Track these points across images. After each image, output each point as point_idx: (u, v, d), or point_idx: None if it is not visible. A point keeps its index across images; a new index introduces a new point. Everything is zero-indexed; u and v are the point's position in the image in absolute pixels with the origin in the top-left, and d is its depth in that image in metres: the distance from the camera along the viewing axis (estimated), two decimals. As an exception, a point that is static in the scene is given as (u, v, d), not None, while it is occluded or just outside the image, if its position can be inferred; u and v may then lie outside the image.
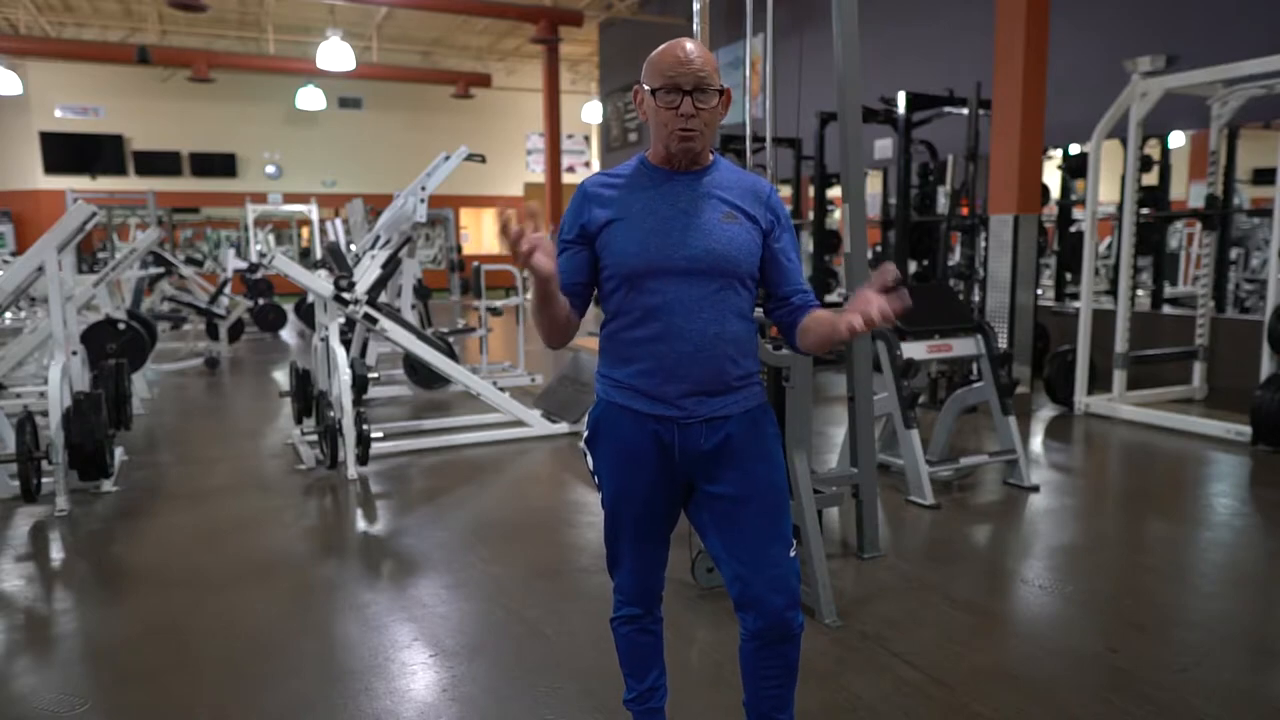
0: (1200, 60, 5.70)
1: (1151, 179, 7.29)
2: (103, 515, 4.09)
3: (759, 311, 1.89)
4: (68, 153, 17.01)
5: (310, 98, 15.93)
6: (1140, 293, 7.44)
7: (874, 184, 9.26)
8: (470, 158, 5.87)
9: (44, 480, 4.15)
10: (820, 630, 2.76)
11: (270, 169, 18.50)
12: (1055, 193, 8.12)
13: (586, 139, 20.75)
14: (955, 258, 7.75)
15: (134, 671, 2.62)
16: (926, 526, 3.80)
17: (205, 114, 17.62)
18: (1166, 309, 7.62)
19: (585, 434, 1.87)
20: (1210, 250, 6.38)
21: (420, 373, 6.77)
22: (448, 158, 5.77)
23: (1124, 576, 3.27)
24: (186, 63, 15.53)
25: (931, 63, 8.56)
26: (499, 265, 8.72)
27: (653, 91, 1.68)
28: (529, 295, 14.35)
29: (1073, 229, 8.01)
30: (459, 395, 6.62)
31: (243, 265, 11.34)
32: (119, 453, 4.88)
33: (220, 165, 18.09)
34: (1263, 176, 7.74)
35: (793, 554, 1.80)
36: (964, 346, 4.36)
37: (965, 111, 6.83)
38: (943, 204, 7.96)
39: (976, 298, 6.65)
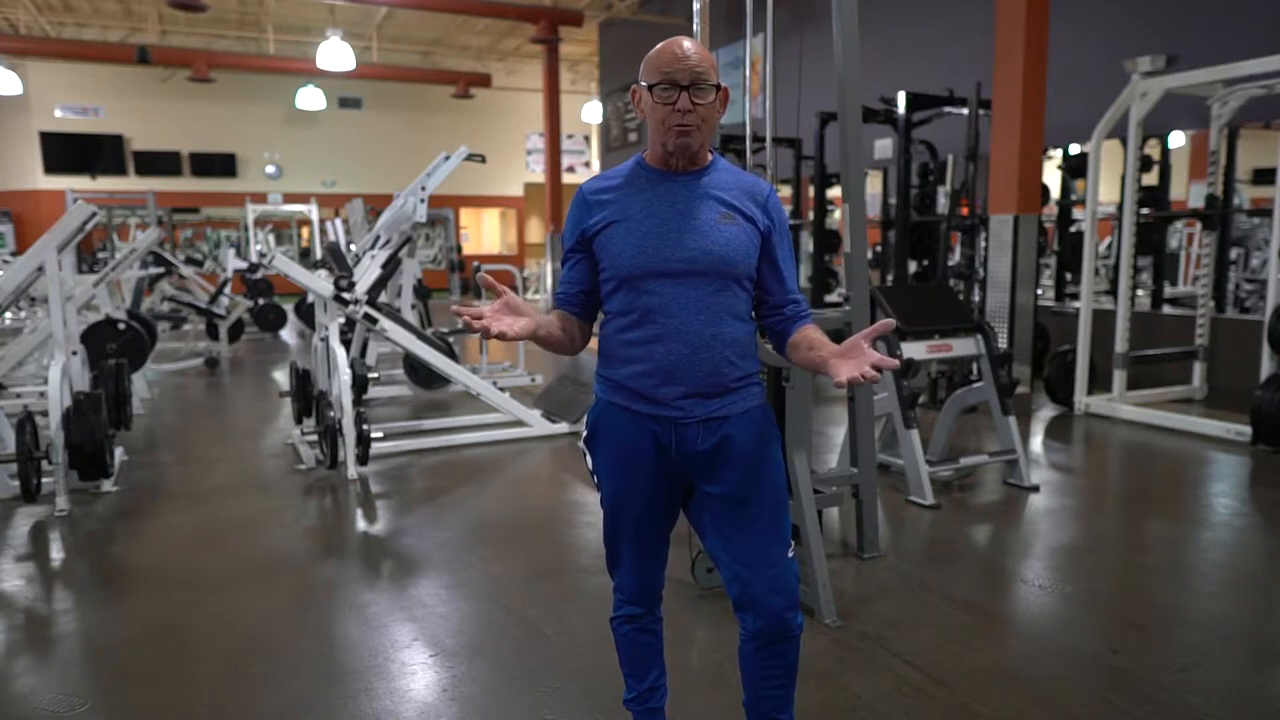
0: (1200, 60, 5.71)
1: (1151, 179, 7.29)
2: (103, 515, 4.09)
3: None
4: (68, 153, 17.01)
5: (310, 98, 15.93)
6: (1140, 293, 7.44)
7: (874, 184, 9.26)
8: (470, 158, 5.87)
9: (44, 480, 4.15)
10: (820, 630, 2.76)
11: (270, 169, 18.50)
12: (1055, 193, 8.12)
13: (586, 139, 20.75)
14: (955, 258, 7.75)
15: (134, 671, 2.62)
16: (926, 526, 3.80)
17: (205, 114, 17.62)
18: (1166, 309, 7.62)
19: (584, 434, 1.87)
20: (1210, 250, 6.38)
21: (420, 373, 6.77)
22: (448, 158, 5.77)
23: (1124, 576, 3.27)
24: (186, 63, 15.53)
25: (931, 63, 8.56)
26: (499, 265, 8.71)
27: (649, 88, 1.68)
28: (528, 296, 14.35)
29: (1073, 229, 8.01)
30: (459, 395, 6.63)
31: (243, 265, 11.35)
32: (119, 453, 4.88)
33: (220, 165, 18.09)
34: (1263, 176, 7.74)
35: (791, 554, 1.80)
36: (964, 346, 4.36)
37: (965, 111, 6.83)
38: (943, 204, 7.96)
39: (976, 298, 6.65)
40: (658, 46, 1.71)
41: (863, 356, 1.53)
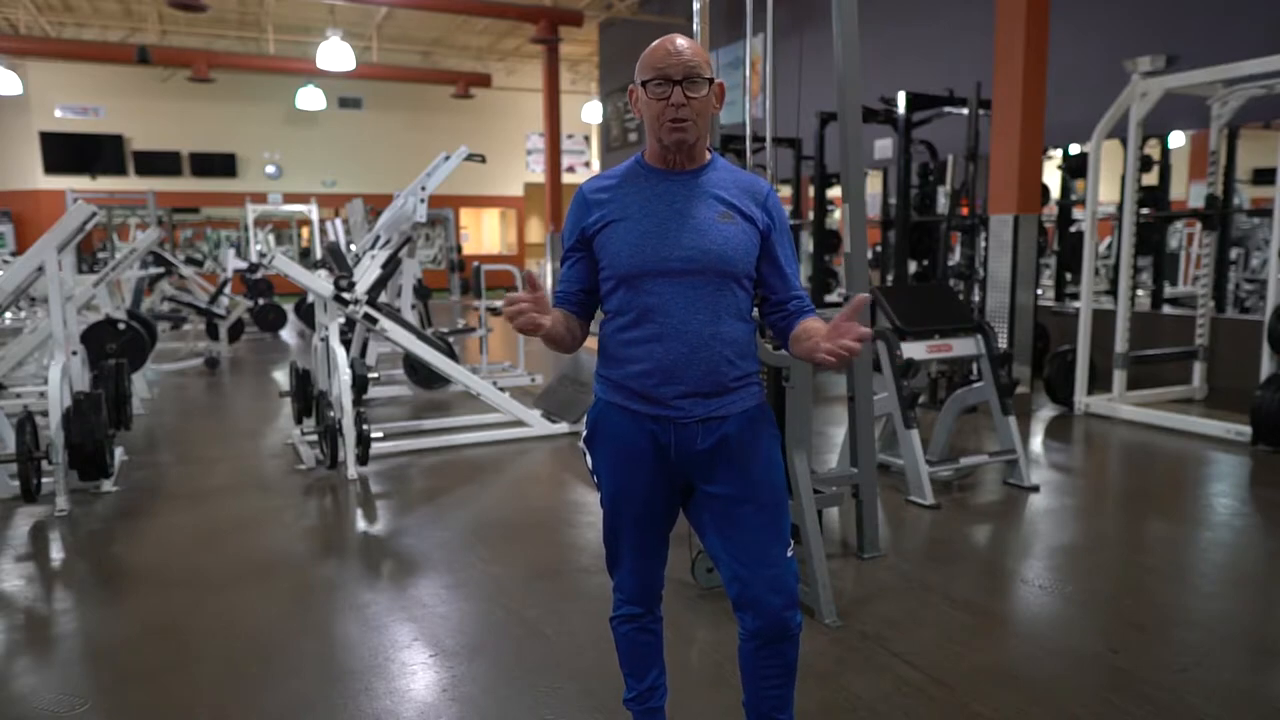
0: (1200, 60, 5.70)
1: (1151, 179, 7.29)
2: (103, 515, 4.09)
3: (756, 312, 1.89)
4: (68, 153, 17.01)
5: (310, 98, 15.93)
6: (1140, 293, 7.44)
7: (874, 184, 9.26)
8: (470, 158, 5.87)
9: (44, 480, 4.15)
10: (820, 630, 2.76)
11: (270, 169, 18.50)
12: (1055, 193, 8.12)
13: (586, 139, 20.75)
14: (955, 258, 7.75)
15: (134, 671, 2.62)
16: (926, 526, 3.80)
17: (205, 114, 17.61)
18: (1166, 309, 7.62)
19: (584, 434, 1.87)
20: (1210, 250, 6.38)
21: (420, 373, 6.77)
22: (448, 158, 5.77)
23: (1124, 576, 3.27)
24: (186, 63, 15.53)
25: (931, 63, 8.56)
26: (499, 265, 8.71)
27: (644, 85, 1.69)
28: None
29: (1073, 229, 8.01)
30: (459, 395, 6.63)
31: (243, 265, 11.35)
32: (119, 453, 4.88)
33: (220, 165, 18.08)
34: (1263, 176, 7.74)
35: (791, 554, 1.80)
36: (964, 346, 4.36)
37: (965, 111, 6.83)
38: (943, 204, 7.96)
39: (976, 298, 6.64)
40: (651, 45, 1.72)
41: (842, 333, 1.56)
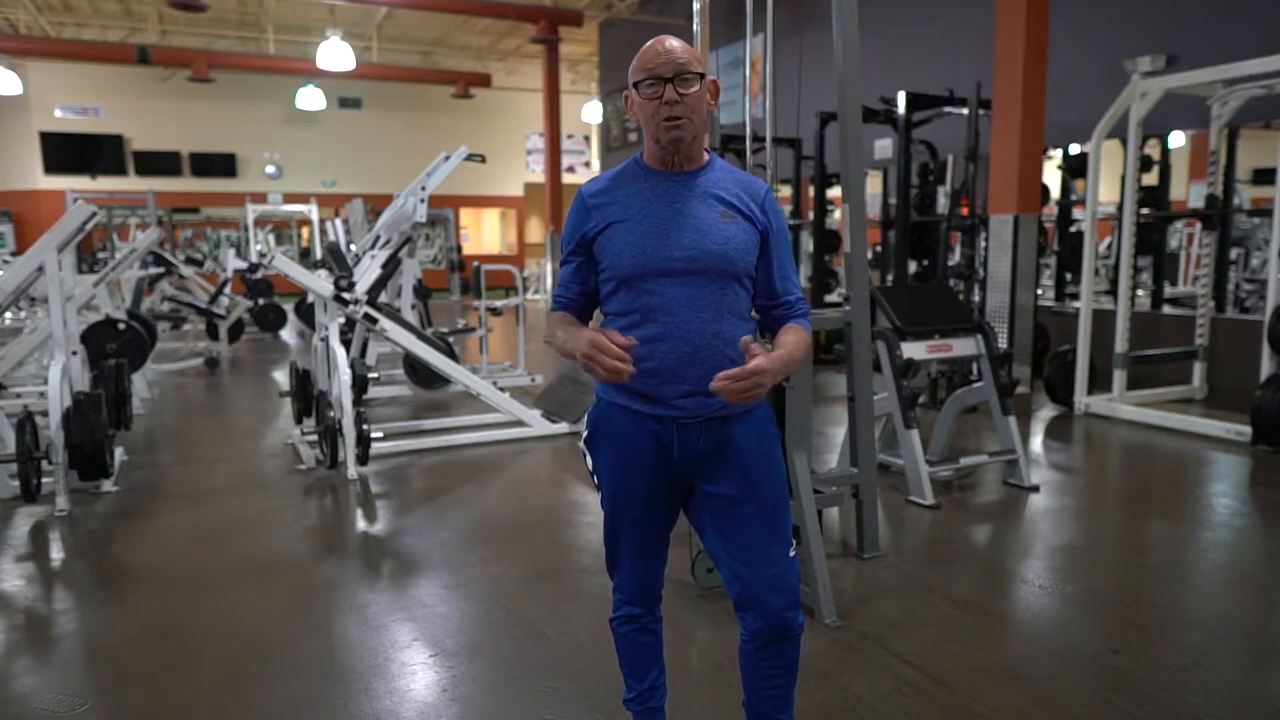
0: (1200, 60, 5.71)
1: (1151, 179, 7.29)
2: (103, 515, 4.09)
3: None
4: (68, 153, 17.01)
5: (310, 98, 15.93)
6: (1140, 293, 7.44)
7: (874, 184, 9.26)
8: (470, 158, 5.87)
9: (44, 480, 4.15)
10: (820, 630, 2.76)
11: (270, 169, 18.50)
12: (1055, 193, 8.12)
13: (586, 139, 20.75)
14: (955, 258, 7.75)
15: (134, 671, 2.62)
16: (926, 526, 3.80)
17: (205, 114, 17.62)
18: (1166, 309, 7.62)
19: (585, 434, 1.87)
20: (1210, 250, 6.38)
21: (420, 373, 6.77)
22: (448, 158, 5.77)
23: (1124, 576, 3.27)
24: (186, 63, 15.53)
25: (931, 63, 8.56)
26: (499, 265, 8.71)
27: (636, 86, 1.70)
28: (529, 296, 14.27)
29: (1073, 229, 8.01)
30: (459, 395, 6.62)
31: (243, 265, 11.35)
32: (119, 453, 4.88)
33: (220, 165, 18.09)
34: (1263, 176, 7.74)
35: (792, 554, 1.80)
36: (964, 346, 4.36)
37: (965, 111, 6.83)
38: (943, 204, 7.97)
39: (976, 298, 6.65)
40: (642, 47, 1.72)
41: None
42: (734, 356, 1.73)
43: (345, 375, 4.66)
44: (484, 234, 22.09)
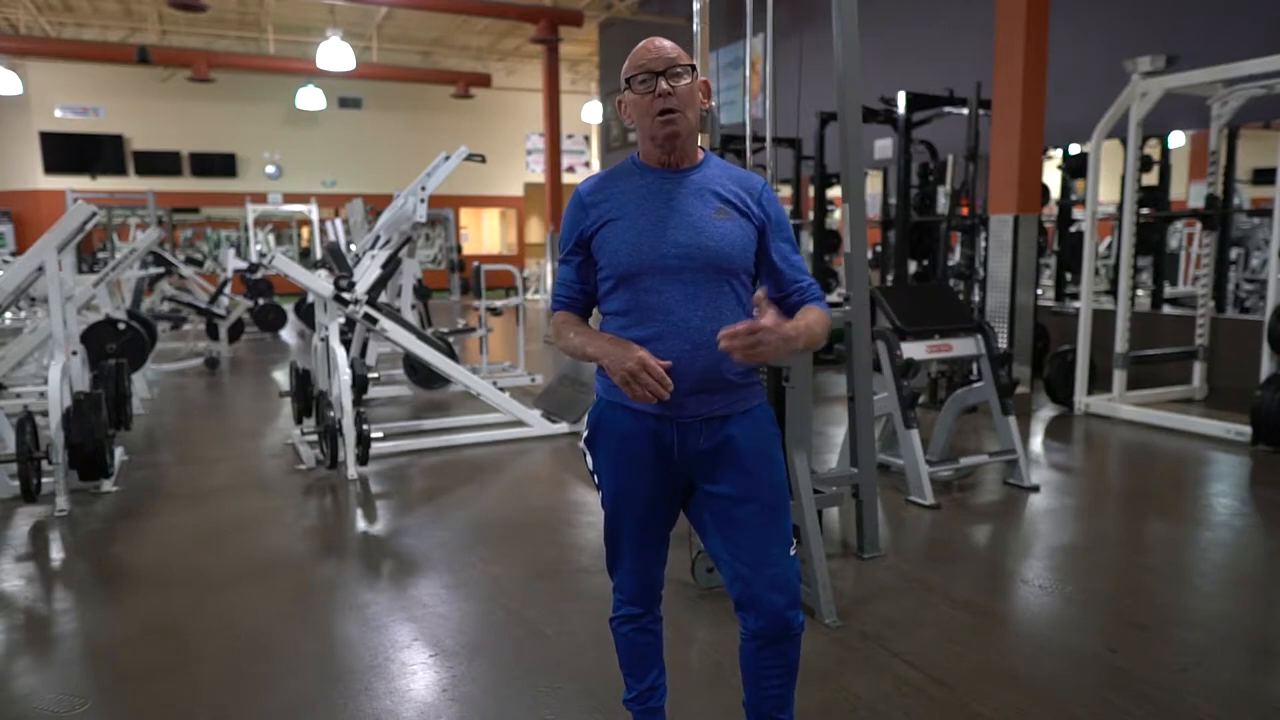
0: (1200, 60, 5.71)
1: (1151, 179, 7.29)
2: (103, 515, 4.09)
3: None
4: (68, 153, 17.01)
5: (310, 98, 15.93)
6: (1140, 293, 7.44)
7: (874, 184, 9.26)
8: (470, 158, 5.87)
9: (44, 480, 4.15)
10: (820, 630, 2.76)
11: (270, 169, 18.50)
12: (1055, 193, 8.12)
13: (586, 139, 20.75)
14: (955, 258, 7.75)
15: (134, 671, 2.62)
16: (926, 526, 3.80)
17: (205, 114, 17.62)
18: (1166, 309, 7.62)
19: (585, 433, 1.87)
20: (1210, 250, 6.38)
21: (420, 373, 6.77)
22: (448, 158, 5.77)
23: (1124, 576, 3.27)
24: (186, 63, 15.53)
25: (931, 63, 8.56)
26: (499, 265, 8.71)
27: (628, 84, 1.72)
28: (529, 296, 14.26)
29: (1073, 229, 8.01)
30: (459, 395, 6.63)
31: (243, 265, 11.35)
32: (119, 453, 4.88)
33: (220, 165, 18.09)
34: (1263, 176, 7.74)
35: (793, 553, 1.80)
36: (964, 346, 4.36)
37: (965, 111, 6.83)
38: (943, 204, 7.97)
39: (976, 298, 6.64)
40: (632, 51, 1.75)
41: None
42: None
43: (345, 375, 4.66)
44: (484, 234, 22.09)
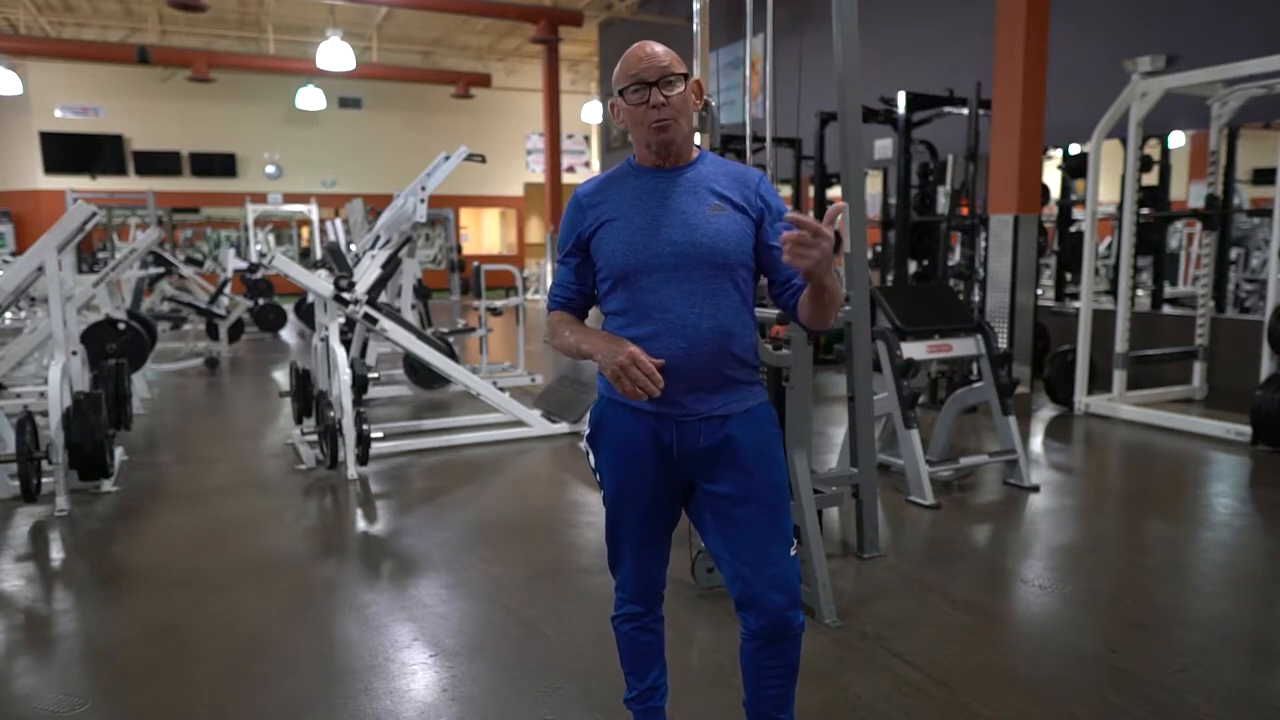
0: (1200, 60, 5.71)
1: (1151, 179, 7.29)
2: (103, 515, 4.09)
3: (770, 311, 1.89)
4: (68, 153, 17.01)
5: (310, 98, 15.93)
6: (1140, 293, 7.44)
7: (874, 184, 9.26)
8: (470, 158, 5.87)
9: (44, 480, 4.15)
10: (820, 630, 2.76)
11: (270, 169, 18.50)
12: (1055, 193, 8.12)
13: (586, 139, 20.75)
14: (955, 258, 7.75)
15: (134, 671, 2.62)
16: (926, 526, 3.80)
17: (205, 114, 17.61)
18: (1166, 309, 7.62)
19: (587, 431, 1.88)
20: (1210, 250, 6.38)
21: (420, 373, 6.77)
22: (448, 158, 5.78)
23: (1124, 576, 3.27)
24: (186, 63, 15.53)
25: (931, 63, 8.56)
26: (499, 265, 8.71)
27: (622, 93, 1.72)
28: (529, 296, 14.24)
29: (1073, 229, 8.01)
30: (459, 395, 6.62)
31: (243, 265, 11.34)
32: (119, 453, 4.88)
33: (220, 165, 18.08)
34: (1263, 176, 7.74)
35: (793, 553, 1.80)
36: (964, 346, 4.36)
37: (965, 111, 6.83)
38: (943, 204, 7.96)
39: (976, 298, 6.65)
40: (624, 54, 1.74)
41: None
42: (733, 350, 1.74)
43: (345, 375, 4.66)
44: (484, 234, 22.09)
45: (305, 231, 18.59)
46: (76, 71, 16.57)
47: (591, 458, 1.87)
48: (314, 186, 18.31)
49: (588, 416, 1.89)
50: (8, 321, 9.98)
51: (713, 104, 2.93)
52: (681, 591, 3.02)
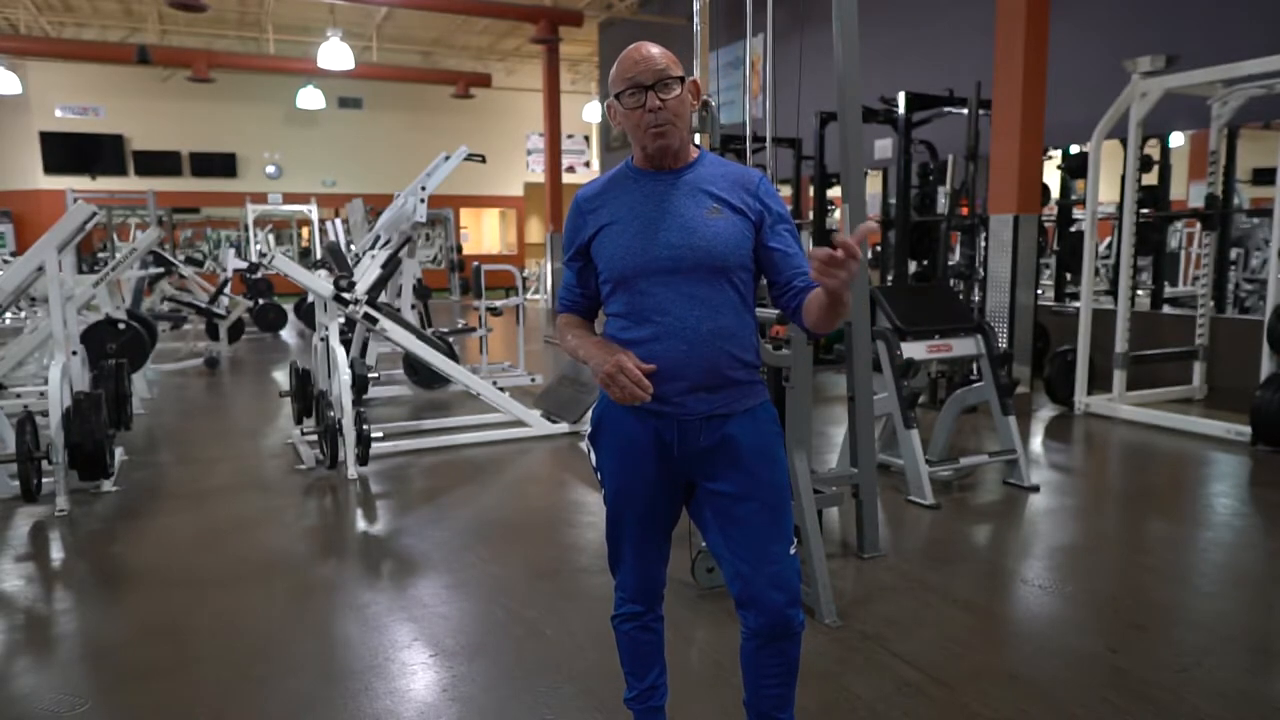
0: (1200, 60, 5.70)
1: (1151, 179, 7.28)
2: (103, 515, 4.09)
3: (770, 311, 1.89)
4: (68, 153, 17.00)
5: (310, 98, 15.92)
6: (1140, 293, 7.44)
7: (874, 184, 9.26)
8: (470, 158, 5.87)
9: (44, 480, 4.15)
10: (820, 630, 2.76)
11: (270, 169, 18.49)
12: (1055, 193, 8.11)
13: (586, 139, 20.74)
14: (955, 258, 7.75)
15: (134, 671, 2.62)
16: (926, 526, 3.80)
17: (205, 114, 17.61)
18: (1166, 309, 7.61)
19: (589, 430, 1.88)
20: (1210, 250, 6.38)
21: (420, 373, 6.77)
22: (448, 158, 5.78)
23: (1124, 576, 3.27)
24: (186, 63, 15.52)
25: (931, 63, 8.56)
26: (499, 265, 8.71)
27: (618, 97, 1.73)
28: (529, 296, 14.23)
29: (1073, 229, 8.01)
30: (459, 395, 6.62)
31: (243, 265, 11.35)
32: (119, 453, 4.88)
33: (220, 165, 18.08)
34: (1263, 176, 7.73)
35: (794, 552, 1.80)
36: (964, 346, 4.36)
37: (965, 111, 6.83)
38: (943, 204, 7.96)
39: (976, 298, 6.64)
40: (619, 57, 1.74)
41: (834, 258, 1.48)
42: (733, 351, 1.74)
43: (345, 375, 4.66)
44: (484, 234, 22.09)
45: (305, 231, 18.59)
46: (76, 71, 16.56)
47: (593, 456, 1.88)
48: (314, 186, 18.31)
49: (589, 415, 1.89)
50: (8, 321, 9.98)
51: (712, 104, 2.94)
52: (681, 591, 3.02)
